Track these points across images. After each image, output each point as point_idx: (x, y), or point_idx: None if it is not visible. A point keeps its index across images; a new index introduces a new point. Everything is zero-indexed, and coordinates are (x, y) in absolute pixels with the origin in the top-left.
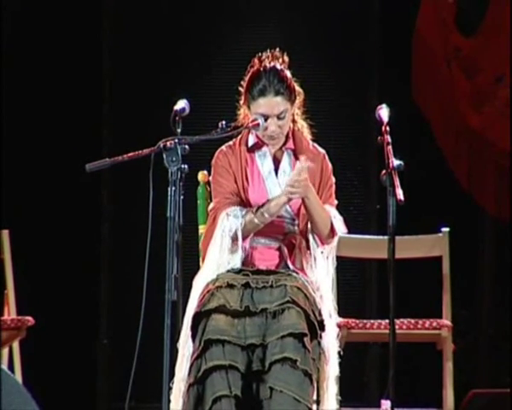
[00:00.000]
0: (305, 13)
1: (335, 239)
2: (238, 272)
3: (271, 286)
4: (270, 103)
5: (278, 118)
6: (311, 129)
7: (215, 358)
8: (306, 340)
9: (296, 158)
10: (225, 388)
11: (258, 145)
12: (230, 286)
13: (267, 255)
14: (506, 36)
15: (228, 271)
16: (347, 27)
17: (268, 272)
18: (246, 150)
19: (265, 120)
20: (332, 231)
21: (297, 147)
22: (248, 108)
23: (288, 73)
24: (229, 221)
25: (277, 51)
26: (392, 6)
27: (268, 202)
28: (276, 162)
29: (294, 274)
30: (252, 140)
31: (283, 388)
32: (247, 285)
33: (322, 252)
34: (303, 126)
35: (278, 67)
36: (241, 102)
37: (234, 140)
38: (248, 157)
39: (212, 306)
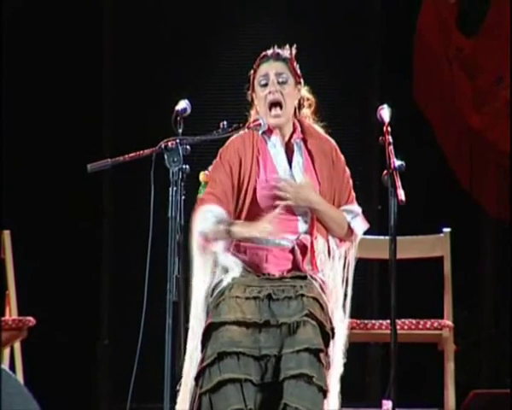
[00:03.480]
0: (305, 13)
1: (356, 239)
2: (250, 276)
3: (290, 297)
4: (271, 65)
5: (279, 83)
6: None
7: (230, 370)
8: (322, 356)
9: (306, 147)
10: (240, 401)
11: (270, 131)
12: (248, 298)
13: (281, 258)
14: (506, 37)
15: (242, 275)
16: (348, 27)
17: (282, 278)
18: (257, 138)
19: (266, 85)
20: (351, 231)
21: (306, 136)
22: (253, 90)
23: (295, 62)
24: (200, 220)
25: (286, 48)
26: (394, 6)
27: (236, 225)
28: (289, 155)
29: (309, 278)
30: (262, 128)
31: (298, 404)
32: (265, 297)
33: (339, 256)
34: (310, 121)
35: (283, 52)
36: (249, 91)
37: (244, 132)
38: (260, 146)
39: (228, 318)
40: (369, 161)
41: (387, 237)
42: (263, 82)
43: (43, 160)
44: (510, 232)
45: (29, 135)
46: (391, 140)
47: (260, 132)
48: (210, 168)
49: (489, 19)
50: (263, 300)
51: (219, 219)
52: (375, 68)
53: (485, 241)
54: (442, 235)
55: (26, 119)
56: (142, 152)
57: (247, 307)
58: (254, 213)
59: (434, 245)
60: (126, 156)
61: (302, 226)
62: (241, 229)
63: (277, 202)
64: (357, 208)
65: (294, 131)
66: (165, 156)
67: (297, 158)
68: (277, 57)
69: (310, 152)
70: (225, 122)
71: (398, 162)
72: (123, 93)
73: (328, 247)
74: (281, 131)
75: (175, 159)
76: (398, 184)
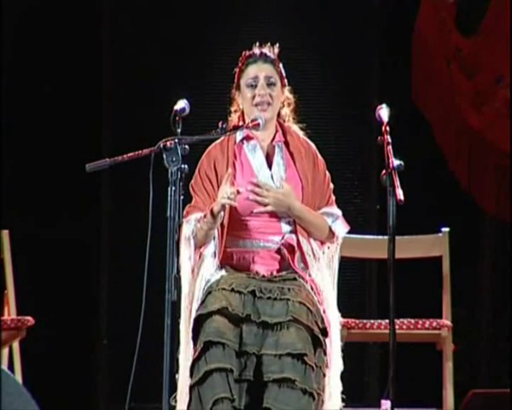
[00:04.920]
0: (305, 13)
1: (338, 241)
2: (239, 274)
3: (275, 298)
4: (260, 67)
5: (267, 85)
6: (308, 129)
7: (216, 360)
8: (307, 359)
9: (288, 150)
10: (226, 391)
11: (248, 138)
12: (233, 290)
13: (268, 259)
14: (506, 36)
15: (230, 274)
16: (347, 27)
17: (272, 279)
18: (234, 145)
19: (255, 87)
20: (332, 233)
21: (287, 139)
22: (238, 89)
23: (280, 63)
24: (185, 227)
25: (268, 45)
26: (393, 6)
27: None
28: (269, 158)
29: (298, 279)
30: (240, 135)
31: (282, 409)
32: (249, 293)
33: (323, 252)
34: (290, 121)
35: (269, 53)
36: (233, 90)
37: (223, 138)
38: (237, 152)
39: (214, 308)
40: (368, 161)
41: (386, 237)
42: (252, 83)
43: (42, 159)
44: (509, 232)
45: (29, 135)
46: (389, 140)
47: (239, 140)
48: (192, 180)
49: (488, 18)
50: (247, 295)
51: (200, 217)
52: (373, 68)
53: (483, 240)
54: (441, 234)
55: (26, 119)
56: (140, 152)
57: (232, 298)
58: (235, 218)
59: (433, 245)
60: (125, 156)
61: (286, 227)
62: (214, 205)
63: (256, 210)
64: (336, 211)
65: (276, 133)
66: (164, 156)
67: (277, 161)
68: (265, 59)
69: (292, 154)
70: (224, 122)
71: (396, 162)
72: (122, 93)
73: (312, 248)
74: (262, 134)
75: (174, 158)
76: (397, 183)
